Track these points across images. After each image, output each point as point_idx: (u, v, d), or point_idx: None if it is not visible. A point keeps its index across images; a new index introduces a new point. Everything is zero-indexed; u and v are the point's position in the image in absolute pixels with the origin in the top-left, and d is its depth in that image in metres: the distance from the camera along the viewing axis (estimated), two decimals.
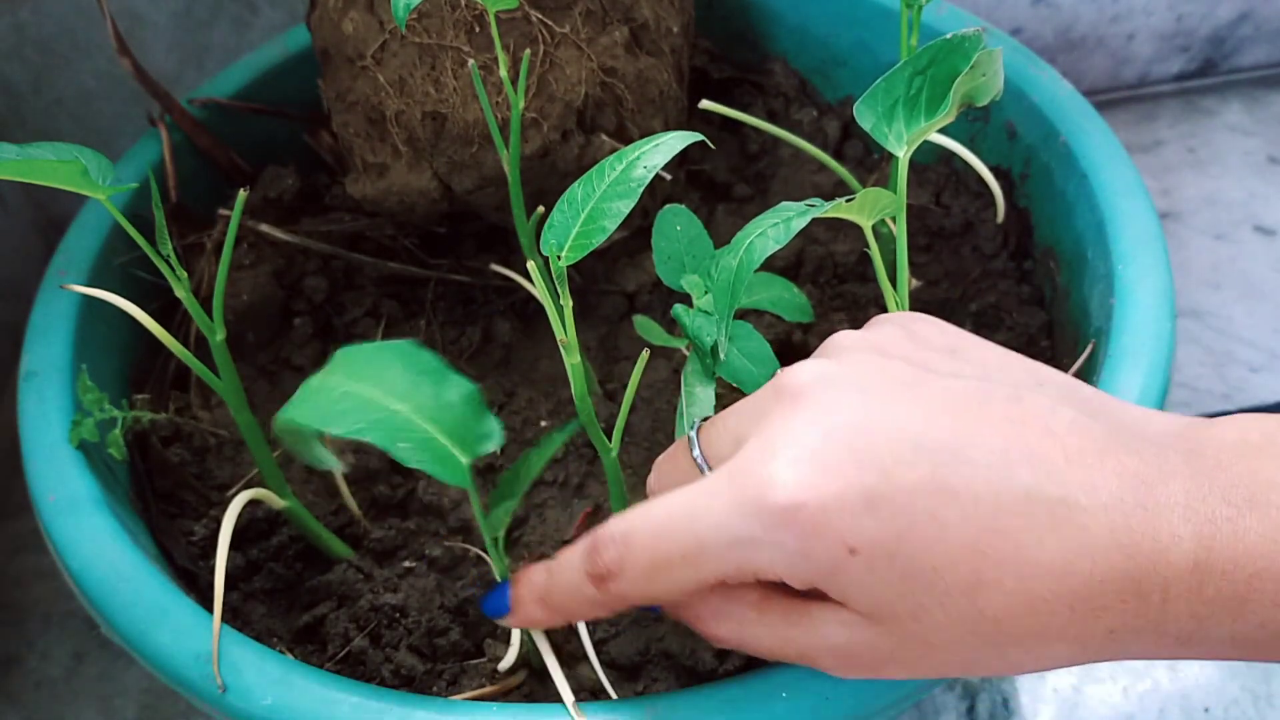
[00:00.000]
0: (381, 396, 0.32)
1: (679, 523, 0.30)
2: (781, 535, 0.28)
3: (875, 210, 0.35)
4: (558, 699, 0.39)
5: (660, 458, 0.36)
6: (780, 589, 0.31)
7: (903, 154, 0.36)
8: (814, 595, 0.30)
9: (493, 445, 0.33)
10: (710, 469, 0.32)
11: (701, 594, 0.32)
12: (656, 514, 0.31)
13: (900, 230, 0.37)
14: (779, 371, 0.32)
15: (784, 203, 0.36)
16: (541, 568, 0.35)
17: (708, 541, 0.30)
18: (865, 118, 0.37)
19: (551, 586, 0.34)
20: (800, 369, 0.31)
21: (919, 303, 0.52)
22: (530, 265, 0.33)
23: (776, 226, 0.34)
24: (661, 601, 0.33)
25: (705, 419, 0.34)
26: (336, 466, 0.42)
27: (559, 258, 0.34)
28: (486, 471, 0.49)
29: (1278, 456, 0.28)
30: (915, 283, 0.53)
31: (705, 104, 0.48)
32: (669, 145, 0.35)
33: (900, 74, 0.36)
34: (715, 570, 0.30)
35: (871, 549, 0.28)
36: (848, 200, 0.34)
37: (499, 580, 0.37)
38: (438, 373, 0.33)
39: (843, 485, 0.28)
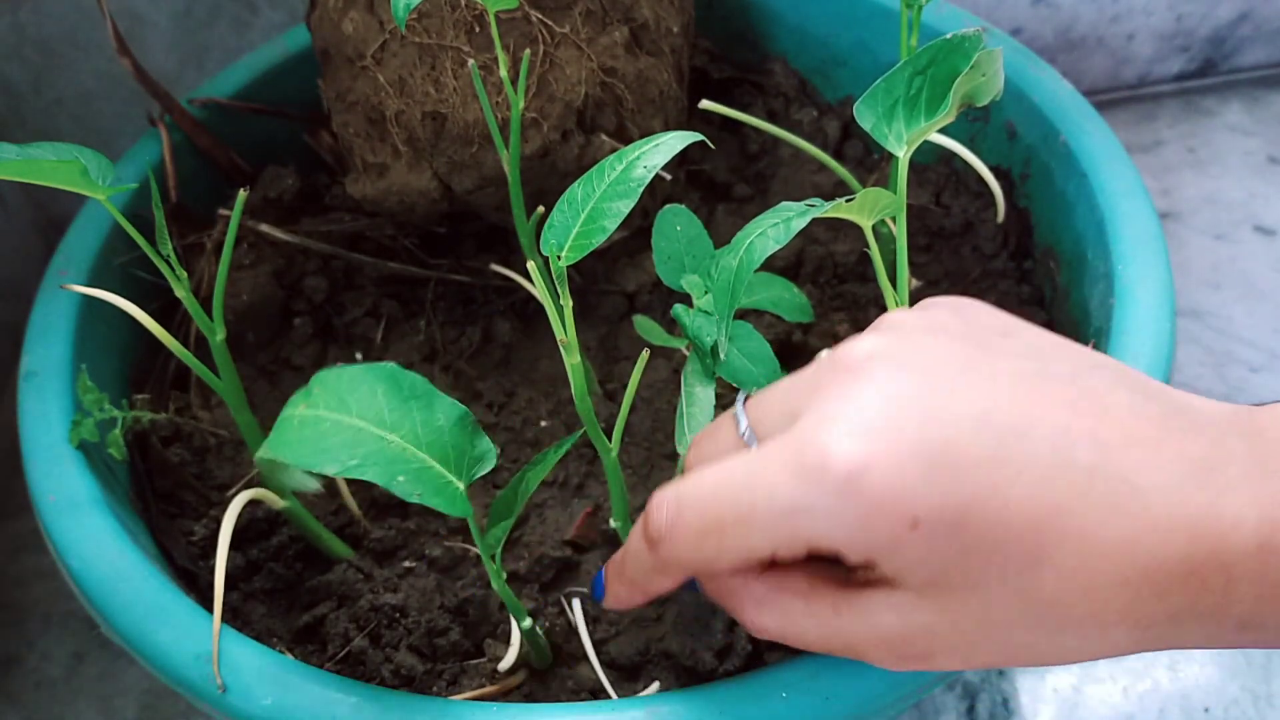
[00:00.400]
0: (371, 427, 0.32)
1: (732, 488, 0.30)
2: (841, 504, 0.28)
3: (875, 210, 0.35)
4: (558, 699, 0.39)
5: (700, 434, 0.35)
6: (828, 579, 0.31)
7: (903, 154, 0.36)
8: (865, 584, 0.30)
9: (488, 467, 0.33)
10: (758, 443, 0.32)
11: (747, 580, 0.32)
12: (709, 478, 0.30)
13: (900, 230, 0.37)
14: (833, 349, 0.31)
15: (784, 203, 0.36)
16: (624, 546, 0.35)
17: (761, 508, 0.29)
18: (865, 118, 0.37)
19: (624, 559, 0.34)
20: (857, 344, 0.31)
21: None
22: (530, 265, 0.33)
23: (776, 226, 0.34)
24: (710, 570, 0.32)
25: (749, 395, 0.34)
26: (316, 488, 0.43)
27: (559, 258, 0.34)
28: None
29: None
30: (915, 283, 0.53)
31: (705, 104, 0.48)
32: (669, 145, 0.35)
33: (900, 74, 0.36)
34: (767, 538, 0.29)
35: (932, 520, 0.27)
36: (848, 200, 0.34)
37: (495, 588, 0.37)
38: (425, 396, 0.33)
39: (905, 455, 0.27)
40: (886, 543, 0.28)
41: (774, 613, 0.32)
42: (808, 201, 0.35)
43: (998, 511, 0.27)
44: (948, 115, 0.36)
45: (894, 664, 0.30)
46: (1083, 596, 0.27)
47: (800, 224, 0.34)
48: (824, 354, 0.32)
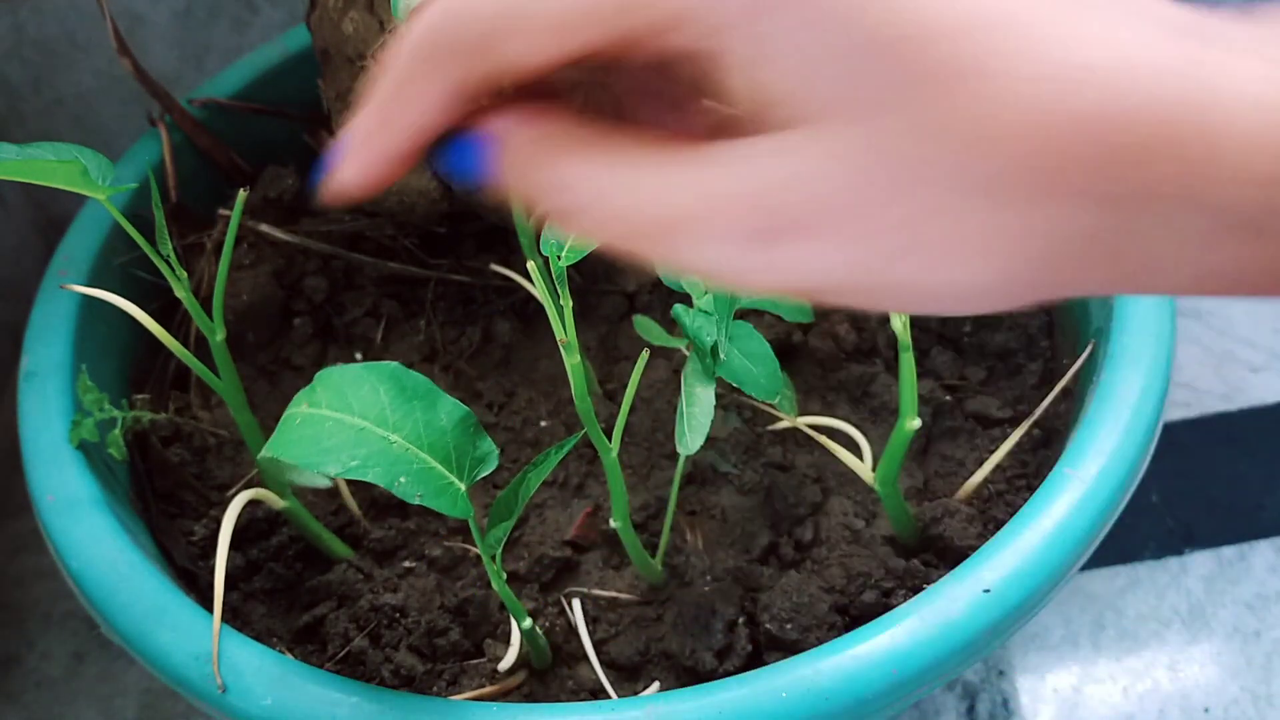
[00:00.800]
0: (373, 427, 0.32)
1: None
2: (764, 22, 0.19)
3: None
4: (558, 699, 0.39)
5: None
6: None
7: None
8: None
9: (489, 468, 0.33)
10: None
11: (522, 118, 0.22)
12: None
13: None
14: None
15: None
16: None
17: None
18: None
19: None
20: None
21: None
22: (530, 265, 0.33)
23: None
24: (476, 61, 0.21)
25: None
26: (325, 483, 0.42)
27: (559, 258, 0.34)
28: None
29: None
30: None
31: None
32: None
33: None
34: None
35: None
36: None
37: (495, 588, 0.37)
38: (428, 396, 0.33)
39: None
40: (752, 18, 0.19)
41: (600, 167, 0.21)
42: None
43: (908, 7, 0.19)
44: None
45: (743, 238, 0.20)
46: (1035, 141, 0.18)
47: None
48: None
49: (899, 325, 0.38)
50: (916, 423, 0.38)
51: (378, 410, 0.32)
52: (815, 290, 0.21)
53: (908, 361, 0.37)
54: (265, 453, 0.31)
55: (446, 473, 0.32)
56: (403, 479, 0.31)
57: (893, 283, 0.20)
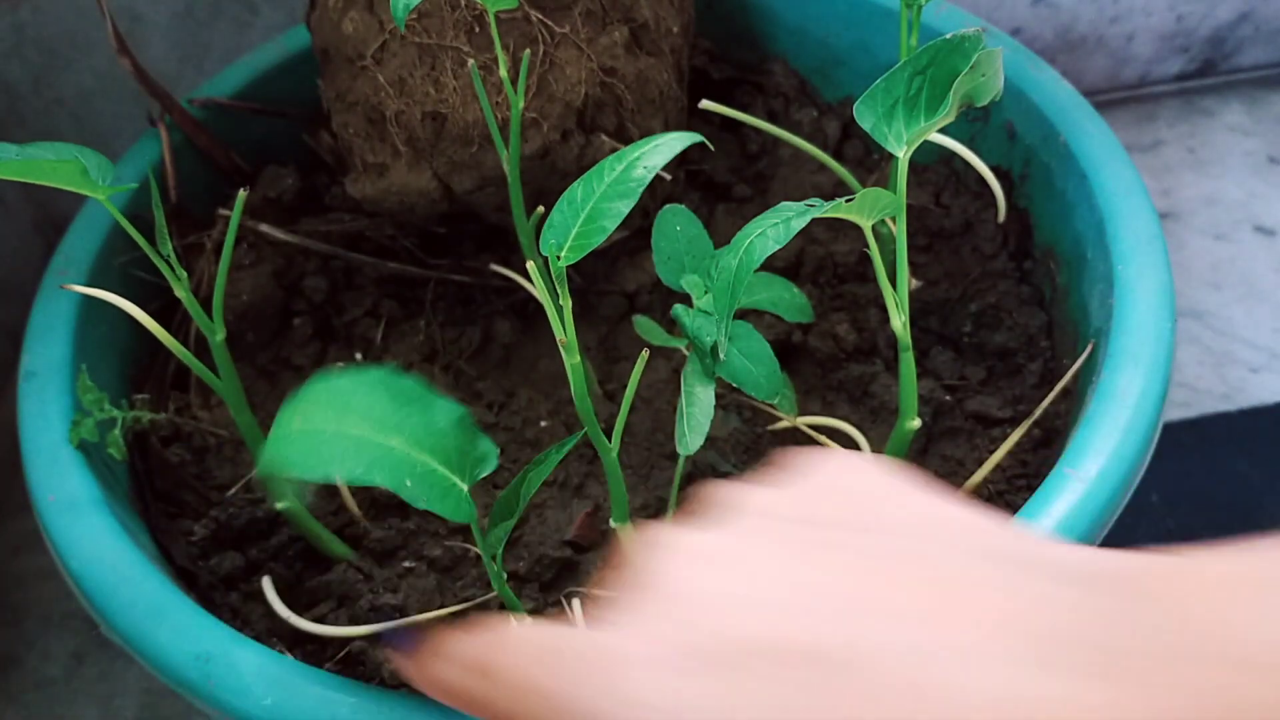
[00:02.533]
0: (372, 432, 0.32)
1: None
2: None
3: (875, 210, 0.35)
4: None
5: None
6: None
7: (902, 154, 0.36)
8: None
9: (490, 467, 0.33)
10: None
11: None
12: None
13: (900, 230, 0.37)
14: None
15: (783, 203, 0.36)
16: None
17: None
18: (865, 118, 0.37)
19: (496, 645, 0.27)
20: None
21: (919, 302, 0.52)
22: (530, 265, 0.33)
23: (776, 226, 0.34)
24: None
25: None
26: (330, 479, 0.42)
27: (559, 258, 0.34)
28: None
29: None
30: (915, 283, 0.53)
31: (705, 104, 0.48)
32: (669, 145, 0.35)
33: (900, 74, 0.36)
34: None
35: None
36: (847, 200, 0.34)
37: (495, 590, 0.37)
38: (424, 398, 0.33)
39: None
40: None
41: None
42: (807, 201, 0.35)
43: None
44: (947, 115, 0.36)
45: None
46: None
47: (800, 224, 0.34)
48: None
49: (899, 325, 0.38)
50: (916, 423, 0.38)
51: (376, 416, 0.32)
52: None
53: (908, 362, 0.37)
54: (269, 459, 0.31)
55: (449, 474, 0.32)
56: (408, 482, 0.31)
57: None
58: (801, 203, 0.35)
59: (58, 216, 0.72)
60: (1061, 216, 0.51)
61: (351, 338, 0.55)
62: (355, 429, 0.32)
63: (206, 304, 0.51)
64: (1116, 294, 0.44)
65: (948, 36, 0.36)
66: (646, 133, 0.51)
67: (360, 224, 0.56)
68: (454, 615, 0.43)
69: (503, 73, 0.42)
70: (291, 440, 0.31)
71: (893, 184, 0.41)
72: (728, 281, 0.35)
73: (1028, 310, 0.51)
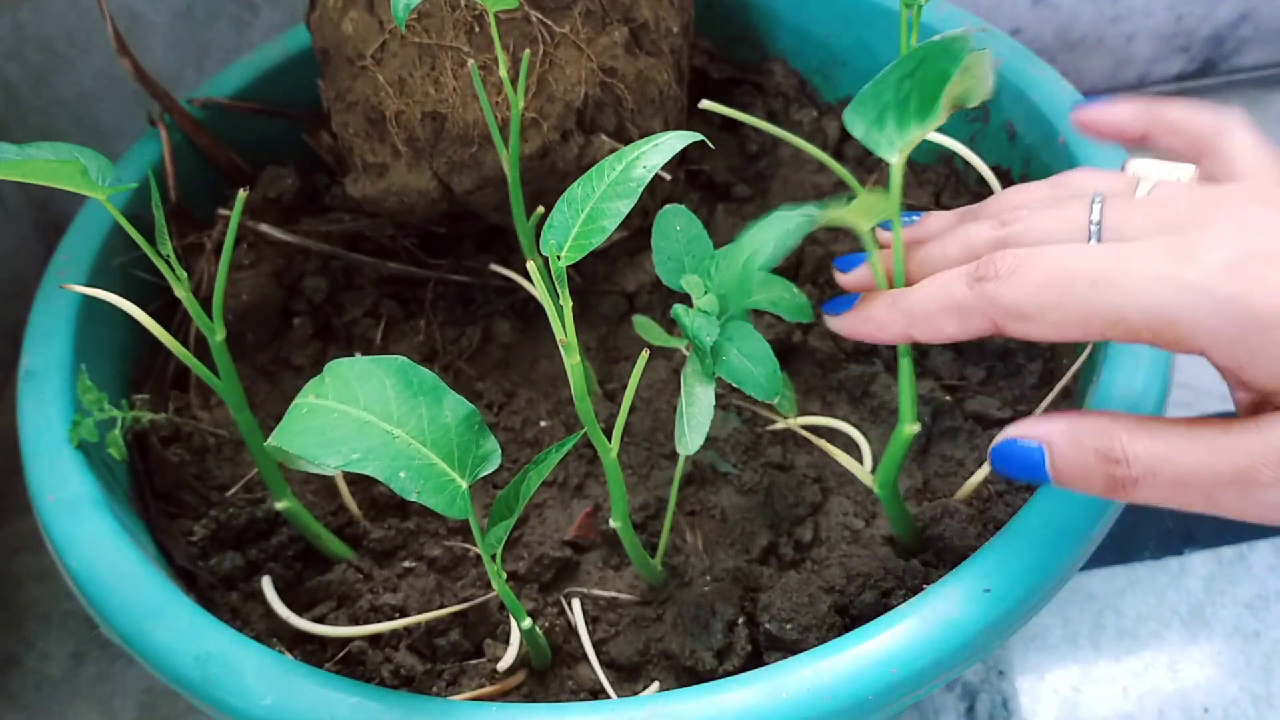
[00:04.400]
0: (377, 420, 0.32)
1: (1099, 259, 0.30)
2: (1255, 341, 0.28)
3: (872, 215, 0.35)
4: (558, 699, 0.39)
5: (1018, 206, 0.36)
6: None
7: (895, 160, 0.36)
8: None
9: (491, 467, 0.33)
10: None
11: (1117, 414, 0.31)
12: (1072, 249, 0.31)
13: (896, 234, 0.37)
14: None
15: (781, 207, 0.36)
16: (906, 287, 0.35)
17: (1131, 292, 0.29)
18: (855, 125, 0.36)
19: (910, 290, 0.34)
20: (1228, 186, 0.32)
21: None
22: (530, 265, 0.33)
23: (772, 239, 0.34)
24: (1025, 321, 0.32)
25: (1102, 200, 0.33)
26: (331, 471, 0.42)
27: (559, 258, 0.34)
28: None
29: None
30: None
31: (705, 104, 0.48)
32: (668, 145, 0.35)
33: (888, 78, 0.36)
34: (1121, 310, 0.29)
35: None
36: (845, 206, 0.34)
37: (495, 590, 0.37)
38: (434, 391, 0.33)
39: None
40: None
41: (1152, 437, 0.30)
42: (802, 211, 0.35)
43: None
44: (938, 119, 0.35)
45: None
46: None
47: (796, 239, 0.34)
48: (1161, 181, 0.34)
49: None
50: (916, 427, 0.38)
51: (383, 404, 0.32)
52: None
53: (906, 366, 0.37)
54: (271, 441, 0.31)
55: (448, 469, 0.32)
56: (403, 473, 0.31)
57: None
58: (798, 209, 0.35)
59: (58, 216, 0.72)
60: None
61: (351, 338, 0.55)
62: (363, 412, 0.32)
63: (206, 304, 0.51)
64: None
65: (935, 38, 0.36)
66: (646, 133, 0.51)
67: (360, 224, 0.56)
68: (454, 615, 0.43)
69: (503, 73, 0.42)
70: (301, 415, 0.31)
71: (889, 187, 0.41)
72: (730, 288, 0.35)
73: None
